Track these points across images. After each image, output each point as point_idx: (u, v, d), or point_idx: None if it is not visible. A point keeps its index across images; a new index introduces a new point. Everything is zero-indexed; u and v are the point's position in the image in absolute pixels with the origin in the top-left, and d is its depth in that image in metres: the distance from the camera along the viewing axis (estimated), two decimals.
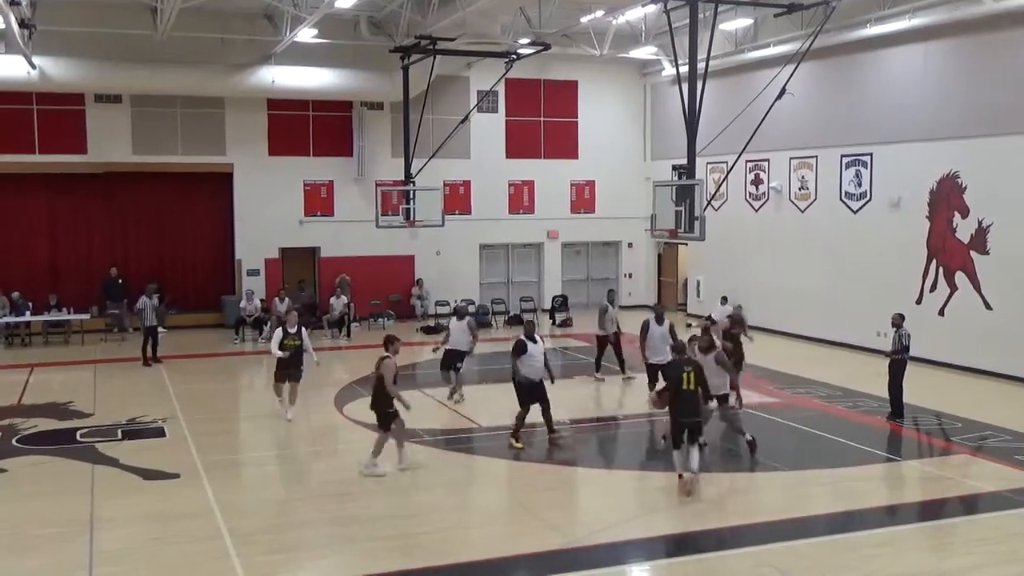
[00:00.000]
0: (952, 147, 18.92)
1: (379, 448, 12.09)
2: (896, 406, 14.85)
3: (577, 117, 28.68)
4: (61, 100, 23.72)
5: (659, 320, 15.73)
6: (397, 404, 11.99)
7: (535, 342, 13.34)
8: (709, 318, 25.30)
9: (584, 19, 22.54)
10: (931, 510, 11.10)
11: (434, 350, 17.23)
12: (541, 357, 13.36)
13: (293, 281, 25.42)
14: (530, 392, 13.31)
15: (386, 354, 12.09)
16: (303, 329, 15.04)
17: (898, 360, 14.79)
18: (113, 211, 25.18)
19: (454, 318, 16.91)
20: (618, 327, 18.09)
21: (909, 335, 14.83)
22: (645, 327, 15.66)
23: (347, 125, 26.22)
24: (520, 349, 13.28)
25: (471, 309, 18.51)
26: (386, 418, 12.01)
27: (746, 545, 9.77)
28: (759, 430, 14.09)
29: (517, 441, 13.33)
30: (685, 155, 16.04)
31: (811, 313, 22.65)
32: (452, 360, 16.45)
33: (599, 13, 21.97)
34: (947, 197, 19.09)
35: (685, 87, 16.12)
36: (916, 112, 19.70)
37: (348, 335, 23.96)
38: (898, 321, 14.91)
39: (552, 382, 13.62)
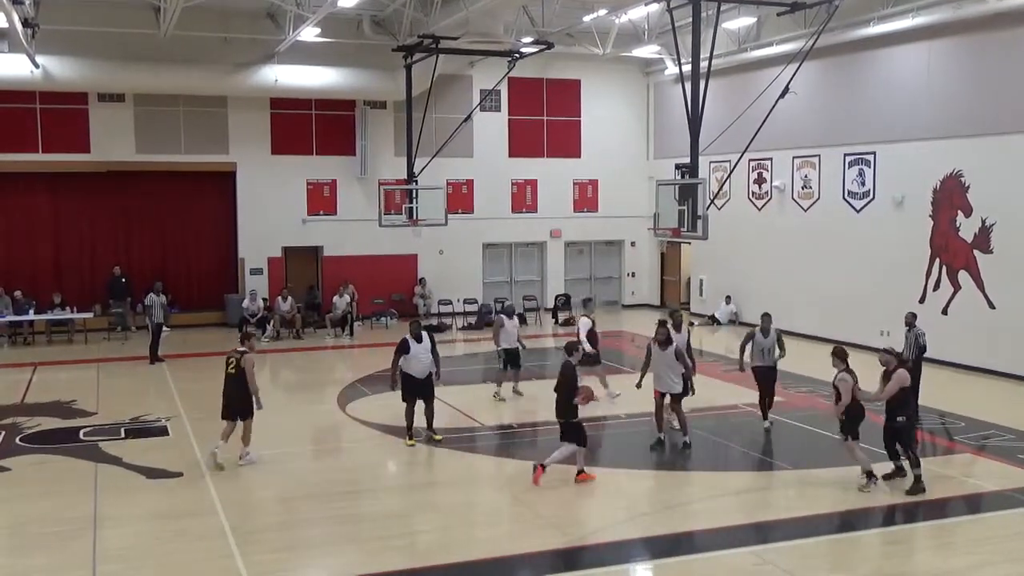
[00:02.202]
0: (955, 146, 18.90)
1: (247, 435, 12.50)
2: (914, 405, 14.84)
3: (580, 116, 28.67)
4: (64, 99, 23.76)
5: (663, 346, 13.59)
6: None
7: (420, 341, 13.52)
8: (712, 317, 25.50)
9: (587, 18, 22.54)
10: (935, 509, 11.06)
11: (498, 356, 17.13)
12: (426, 356, 13.52)
13: (296, 280, 25.42)
14: (414, 389, 13.53)
15: (243, 349, 12.46)
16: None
17: (916, 361, 14.74)
18: (116, 210, 25.20)
19: (506, 317, 16.87)
20: (776, 360, 14.24)
21: (924, 334, 14.80)
22: (648, 351, 14.20)
23: (350, 124, 26.22)
24: (403, 348, 13.46)
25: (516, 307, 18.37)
26: (248, 409, 12.42)
27: (749, 544, 9.77)
28: (763, 430, 14.10)
29: (410, 439, 13.54)
30: (688, 154, 16.01)
31: (814, 312, 22.63)
32: (512, 358, 16.73)
33: (602, 12, 21.98)
34: (950, 196, 19.06)
35: (688, 86, 16.11)
36: (919, 111, 19.67)
37: (351, 334, 23.98)
38: (911, 320, 14.86)
39: (437, 378, 13.81)
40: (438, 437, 13.75)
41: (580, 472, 11.76)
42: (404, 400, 13.64)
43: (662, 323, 13.57)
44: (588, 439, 11.94)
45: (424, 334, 13.68)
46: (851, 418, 11.39)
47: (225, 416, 12.47)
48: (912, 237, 19.85)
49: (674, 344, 13.29)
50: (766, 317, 14.25)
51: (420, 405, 13.65)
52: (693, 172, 15.89)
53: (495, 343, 16.92)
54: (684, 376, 13.29)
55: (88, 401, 16.39)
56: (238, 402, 12.35)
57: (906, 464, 11.45)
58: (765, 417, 14.26)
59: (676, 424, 13.59)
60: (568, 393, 11.67)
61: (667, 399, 13.31)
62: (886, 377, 11.45)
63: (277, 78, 24.07)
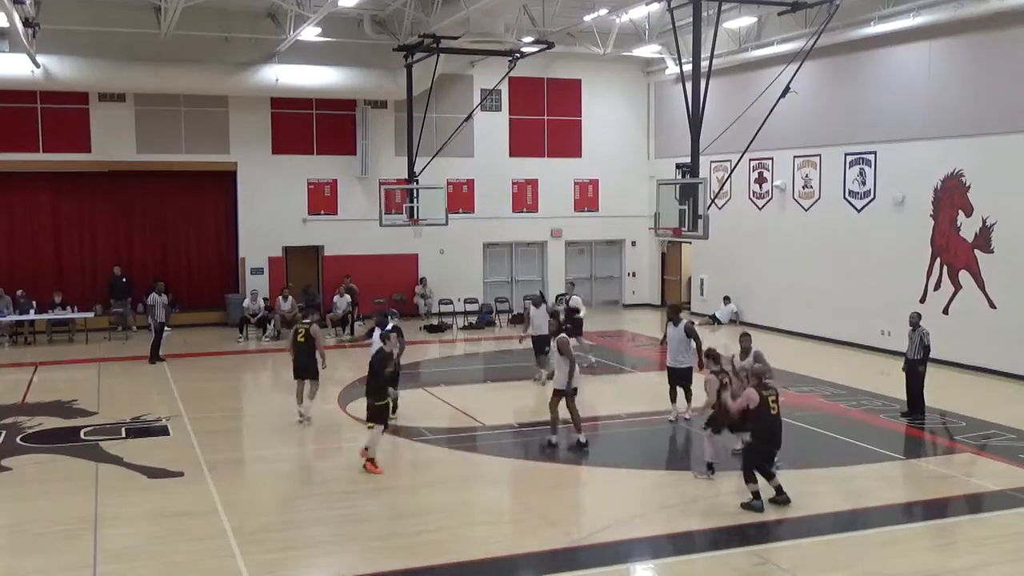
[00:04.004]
0: (956, 145, 18.89)
1: (303, 394, 14.69)
2: (918, 404, 14.87)
3: (581, 115, 28.66)
4: (65, 99, 23.76)
5: (675, 323, 14.67)
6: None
7: (383, 329, 14.40)
8: (712, 317, 25.51)
9: (587, 17, 22.54)
10: (936, 509, 11.08)
11: (520, 341, 18.25)
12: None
13: (297, 280, 25.43)
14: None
15: (307, 321, 14.92)
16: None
17: (921, 359, 14.74)
18: (117, 210, 25.21)
19: (532, 306, 17.76)
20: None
21: (929, 334, 14.79)
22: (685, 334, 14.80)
23: (351, 124, 26.22)
24: (368, 336, 15.01)
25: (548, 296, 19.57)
26: (316, 371, 14.60)
27: (750, 544, 9.77)
28: None
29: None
30: (689, 153, 16.01)
31: (814, 312, 22.63)
32: (541, 346, 17.52)
33: (603, 11, 21.98)
34: (951, 195, 19.05)
35: (689, 85, 16.11)
36: (920, 110, 19.67)
37: (352, 333, 23.97)
38: (915, 320, 14.82)
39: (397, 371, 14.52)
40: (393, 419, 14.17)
41: (370, 460, 12.17)
42: None
43: (553, 315, 15.17)
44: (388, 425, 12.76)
45: (390, 323, 14.61)
46: (717, 416, 11.83)
47: (297, 377, 14.71)
48: (913, 237, 19.85)
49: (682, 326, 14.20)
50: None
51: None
52: (694, 172, 15.88)
53: (523, 331, 18.17)
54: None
55: (89, 401, 16.40)
56: (309, 364, 14.51)
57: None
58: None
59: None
60: (376, 377, 12.30)
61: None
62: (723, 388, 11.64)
63: (278, 78, 24.08)
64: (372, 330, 14.92)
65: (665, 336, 14.95)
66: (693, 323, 14.97)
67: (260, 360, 21.39)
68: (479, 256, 27.91)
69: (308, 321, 14.91)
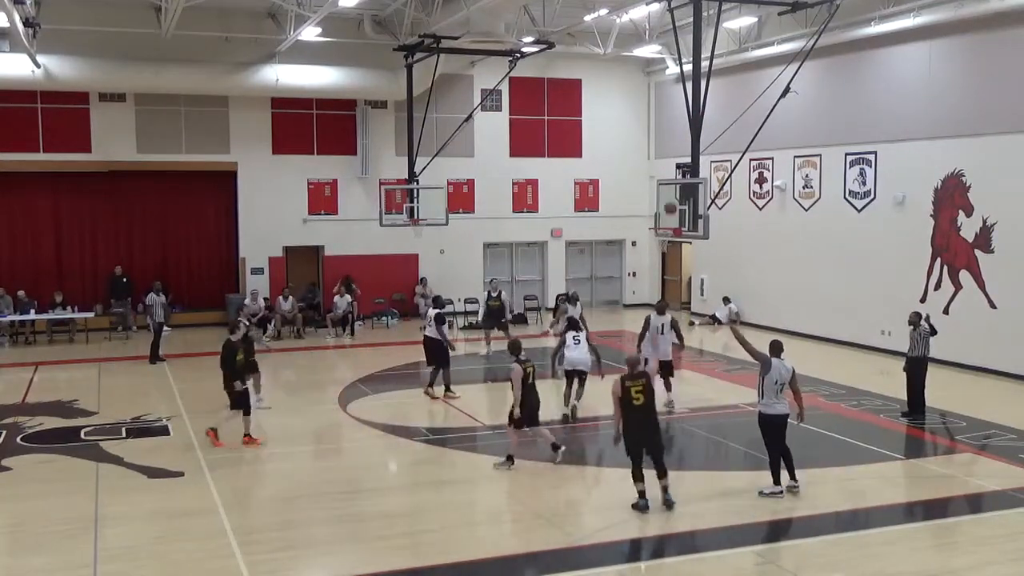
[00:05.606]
0: (956, 145, 18.89)
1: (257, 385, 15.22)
2: (919, 404, 14.84)
3: (581, 116, 28.65)
4: (65, 99, 23.74)
5: (661, 312, 15.58)
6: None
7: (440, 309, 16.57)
8: (713, 317, 25.51)
9: (588, 17, 22.54)
10: (936, 509, 11.08)
11: (551, 332, 18.90)
12: (440, 326, 16.39)
13: (297, 280, 25.44)
14: (429, 351, 16.67)
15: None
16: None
17: (922, 359, 14.73)
18: (117, 209, 25.20)
19: (568, 304, 17.95)
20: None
21: (929, 328, 14.78)
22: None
23: (351, 124, 26.21)
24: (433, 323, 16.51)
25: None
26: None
27: (751, 544, 9.77)
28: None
29: (431, 388, 16.50)
30: (689, 153, 16.03)
31: (814, 312, 22.64)
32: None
33: (603, 11, 21.99)
34: (951, 195, 19.05)
35: (689, 85, 16.11)
36: (920, 110, 19.66)
37: (352, 333, 23.98)
38: (915, 320, 14.81)
39: (452, 349, 16.74)
40: (456, 396, 16.36)
41: (212, 430, 13.54)
42: (428, 362, 16.79)
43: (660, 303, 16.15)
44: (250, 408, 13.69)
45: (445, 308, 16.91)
46: (529, 409, 12.34)
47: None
48: (913, 237, 19.84)
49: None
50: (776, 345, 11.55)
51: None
52: (694, 171, 15.90)
53: (555, 326, 18.42)
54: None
55: (89, 401, 16.40)
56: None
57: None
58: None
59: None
60: (230, 368, 13.38)
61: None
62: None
63: (278, 78, 24.07)
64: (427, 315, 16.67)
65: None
66: (650, 316, 15.65)
67: (260, 360, 21.30)
68: (479, 256, 27.90)
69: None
